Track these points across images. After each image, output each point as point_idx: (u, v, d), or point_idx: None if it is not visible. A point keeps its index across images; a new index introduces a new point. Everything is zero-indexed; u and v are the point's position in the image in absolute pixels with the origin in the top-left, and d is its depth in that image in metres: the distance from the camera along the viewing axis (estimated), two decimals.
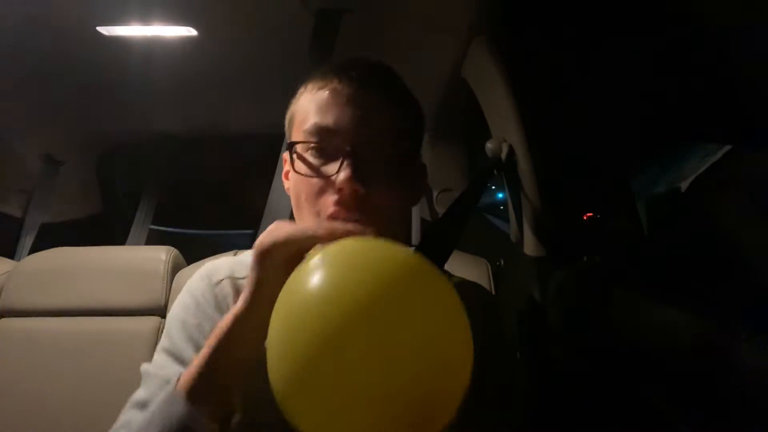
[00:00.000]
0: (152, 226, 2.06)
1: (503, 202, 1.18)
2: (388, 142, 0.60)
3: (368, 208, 0.58)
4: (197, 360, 0.52)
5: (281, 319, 0.44)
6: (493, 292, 1.23)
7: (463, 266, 1.26)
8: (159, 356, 0.63)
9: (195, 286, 0.69)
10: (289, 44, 1.12)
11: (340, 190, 0.58)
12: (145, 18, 1.09)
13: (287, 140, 0.68)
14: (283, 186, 0.71)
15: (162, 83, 1.42)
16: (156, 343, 1.20)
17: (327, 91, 0.61)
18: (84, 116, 1.70)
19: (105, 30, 1.12)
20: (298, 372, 0.40)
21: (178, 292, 0.71)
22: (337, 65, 0.64)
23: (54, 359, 1.22)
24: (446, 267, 0.70)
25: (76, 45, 1.19)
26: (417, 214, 1.72)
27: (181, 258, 1.35)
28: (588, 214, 1.00)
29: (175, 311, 0.67)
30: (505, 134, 1.00)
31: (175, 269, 1.31)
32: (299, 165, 0.62)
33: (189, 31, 1.13)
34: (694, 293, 0.73)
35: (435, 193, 1.66)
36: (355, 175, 0.57)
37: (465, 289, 0.69)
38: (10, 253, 1.71)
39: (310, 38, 1.05)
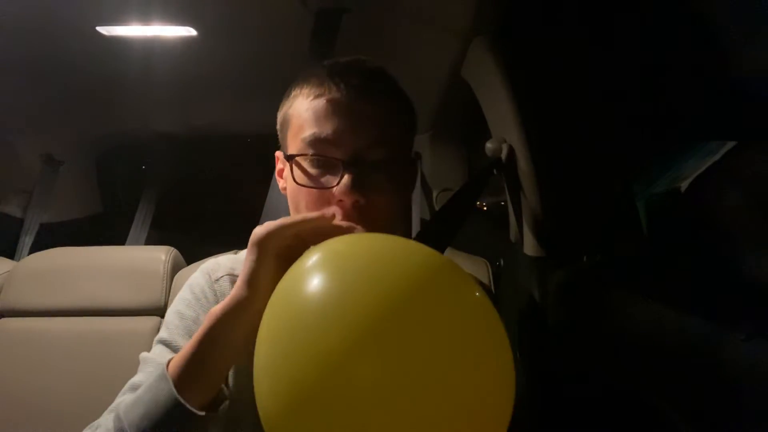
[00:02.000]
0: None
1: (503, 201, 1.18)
2: (386, 151, 0.61)
3: (369, 217, 0.59)
4: (188, 344, 0.52)
5: (271, 330, 0.36)
6: (493, 292, 1.23)
7: (463, 266, 1.26)
8: (156, 347, 0.64)
9: (195, 282, 0.70)
10: (289, 44, 1.12)
11: (340, 202, 0.58)
12: (145, 18, 1.08)
13: (282, 142, 0.68)
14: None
15: (162, 83, 1.42)
16: None
17: (324, 100, 0.61)
18: (84, 116, 1.70)
19: (105, 30, 1.12)
20: (291, 402, 0.31)
21: (178, 292, 0.72)
22: (333, 70, 0.64)
23: (54, 359, 1.22)
24: None
25: (76, 45, 1.19)
26: (417, 214, 1.72)
27: (180, 258, 1.35)
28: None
29: (174, 305, 0.69)
30: (505, 134, 1.00)
31: (175, 269, 1.31)
32: (299, 175, 0.62)
33: (189, 31, 1.13)
34: (694, 293, 0.73)
35: (435, 193, 1.66)
36: (355, 186, 0.58)
37: None
38: (10, 253, 1.71)
39: (310, 38, 1.05)
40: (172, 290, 1.28)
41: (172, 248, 1.35)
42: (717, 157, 0.92)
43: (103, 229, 2.09)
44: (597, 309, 0.85)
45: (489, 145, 1.01)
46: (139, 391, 0.53)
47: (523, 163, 0.96)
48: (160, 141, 1.97)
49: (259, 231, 0.51)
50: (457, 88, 1.25)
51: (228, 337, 0.51)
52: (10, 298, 1.30)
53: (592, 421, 0.80)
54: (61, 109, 1.61)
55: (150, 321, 1.25)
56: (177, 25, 1.12)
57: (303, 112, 0.63)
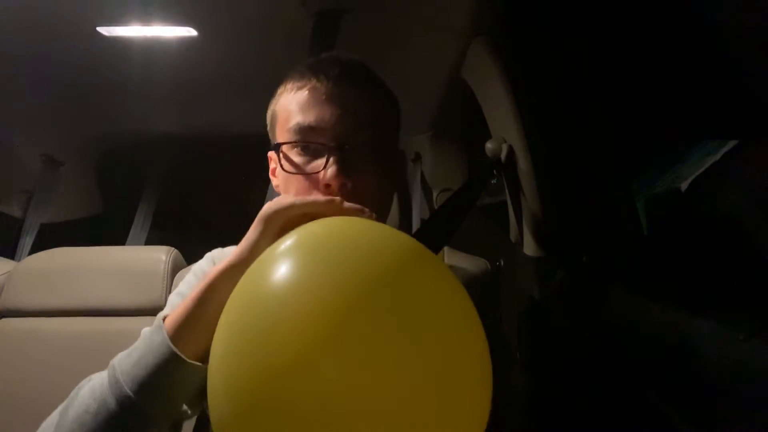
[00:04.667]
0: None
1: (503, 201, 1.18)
2: (369, 134, 0.63)
3: (357, 200, 0.59)
4: (184, 302, 0.56)
5: (228, 322, 0.32)
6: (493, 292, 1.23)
7: (463, 266, 1.26)
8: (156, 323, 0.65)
9: (199, 267, 0.74)
10: (289, 44, 1.12)
11: (328, 186, 0.60)
12: (145, 18, 1.09)
13: (271, 139, 0.70)
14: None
15: (162, 84, 1.42)
16: None
17: (306, 91, 0.64)
18: (84, 116, 1.70)
19: (105, 30, 1.12)
20: (242, 402, 0.27)
21: None
22: (313, 64, 0.66)
23: (54, 359, 1.22)
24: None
25: (76, 45, 1.19)
26: (417, 214, 1.72)
27: (181, 258, 1.35)
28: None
29: (177, 288, 0.72)
30: (505, 134, 1.00)
31: (175, 269, 1.31)
32: (286, 164, 0.64)
33: (189, 32, 1.13)
34: (693, 293, 0.73)
35: (435, 193, 1.66)
36: (342, 170, 0.60)
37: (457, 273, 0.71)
38: (10, 253, 1.71)
39: (310, 38, 1.05)
40: (172, 290, 1.28)
41: (172, 248, 1.35)
42: (717, 157, 0.92)
43: (103, 229, 2.09)
44: (597, 309, 0.85)
45: (489, 145, 1.01)
46: (135, 343, 0.58)
47: (523, 163, 0.96)
48: (160, 141, 1.97)
49: (267, 207, 0.53)
50: (457, 88, 1.25)
51: (219, 296, 0.53)
52: (10, 298, 1.30)
53: (592, 420, 0.80)
54: (61, 109, 1.61)
55: (150, 321, 1.23)
56: (177, 25, 1.12)
57: (287, 105, 0.65)
